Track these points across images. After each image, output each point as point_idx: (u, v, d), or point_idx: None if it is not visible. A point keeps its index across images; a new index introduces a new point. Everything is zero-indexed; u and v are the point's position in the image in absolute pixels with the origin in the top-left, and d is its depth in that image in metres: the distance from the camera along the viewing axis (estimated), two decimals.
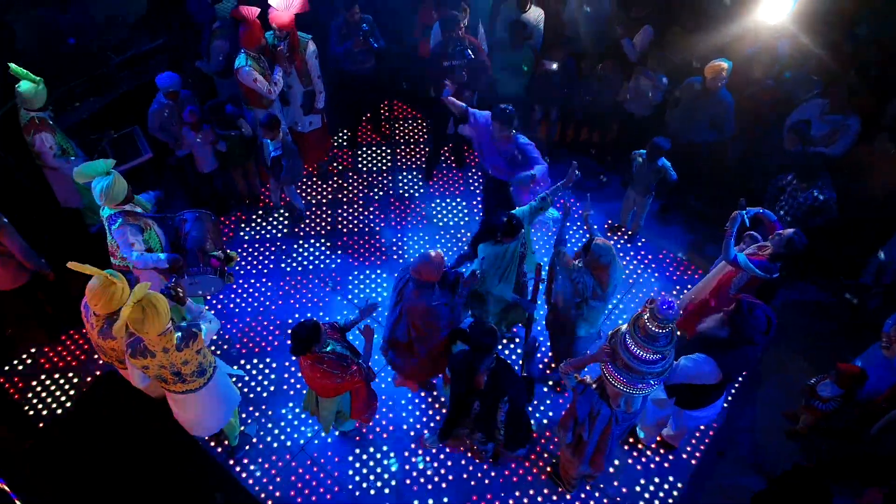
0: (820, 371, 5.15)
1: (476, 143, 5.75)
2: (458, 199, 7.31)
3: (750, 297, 4.03)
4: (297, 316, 6.15)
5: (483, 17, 7.25)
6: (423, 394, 5.63)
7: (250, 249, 6.71)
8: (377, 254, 6.70)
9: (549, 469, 5.15)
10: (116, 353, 4.31)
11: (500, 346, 5.46)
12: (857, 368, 4.84)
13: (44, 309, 5.79)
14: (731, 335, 4.02)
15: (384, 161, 7.68)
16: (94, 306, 3.95)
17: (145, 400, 4.71)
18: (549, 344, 5.67)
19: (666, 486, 5.18)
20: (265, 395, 5.61)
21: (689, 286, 6.51)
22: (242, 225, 6.93)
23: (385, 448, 5.30)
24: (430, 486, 5.10)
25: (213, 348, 5.89)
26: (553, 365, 5.81)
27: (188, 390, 4.17)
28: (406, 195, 7.32)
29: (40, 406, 5.50)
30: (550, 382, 5.75)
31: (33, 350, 5.83)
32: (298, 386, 5.66)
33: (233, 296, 6.29)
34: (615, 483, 5.17)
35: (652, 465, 5.28)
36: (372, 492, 5.08)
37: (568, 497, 5.06)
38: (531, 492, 5.09)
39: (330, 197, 7.26)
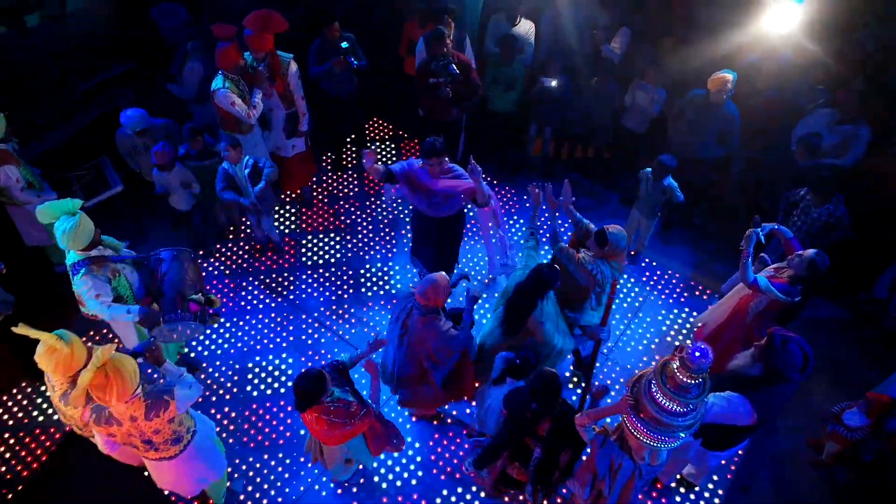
0: (843, 394, 4.85)
1: (410, 197, 5.15)
2: None
3: (783, 330, 3.69)
4: (284, 356, 5.72)
5: (470, 30, 6.92)
6: (436, 435, 5.22)
7: (232, 285, 6.28)
8: (367, 284, 6.30)
9: None
10: (75, 420, 3.86)
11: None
12: (887, 398, 4.54)
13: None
14: (764, 372, 3.68)
15: (372, 185, 7.31)
16: (46, 371, 3.52)
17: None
18: None
19: None
20: (252, 445, 5.17)
21: (698, 309, 6.20)
22: (224, 259, 6.50)
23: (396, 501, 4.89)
24: None
25: None
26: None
27: (162, 458, 3.74)
28: (396, 220, 6.94)
29: (3, 469, 5.03)
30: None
31: None
32: (289, 434, 5.23)
33: (214, 336, 5.85)
34: None
35: None
36: None
37: None
38: None
39: (315, 225, 6.85)
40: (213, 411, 5.31)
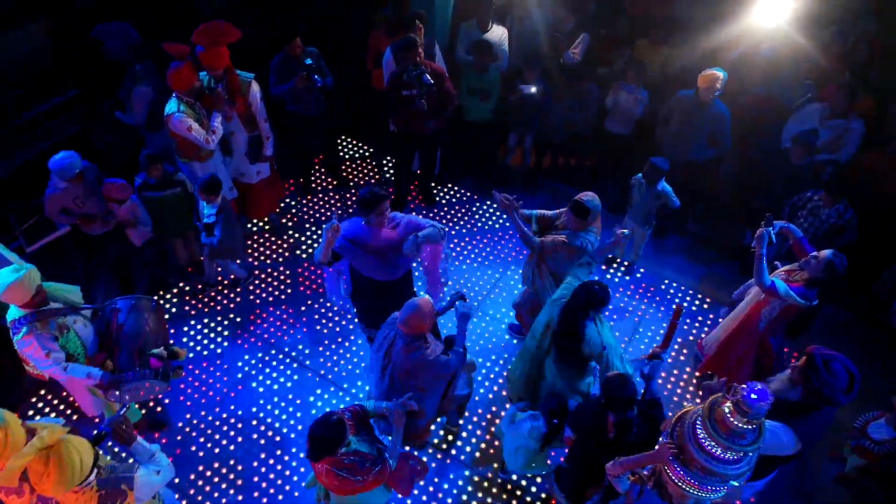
0: (862, 404, 4.56)
1: (353, 262, 4.43)
2: None
3: (822, 348, 3.36)
4: (262, 402, 5.19)
5: (440, 38, 6.53)
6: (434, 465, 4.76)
7: (199, 327, 5.72)
8: (348, 316, 5.82)
9: None
10: None
11: None
12: None
13: None
14: (805, 397, 3.33)
15: (344, 208, 6.83)
16: None
17: None
18: None
19: None
20: None
21: (702, 321, 5.89)
22: (188, 298, 5.94)
23: None
24: None
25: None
26: None
27: None
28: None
29: None
30: None
31: None
32: (272, 491, 4.70)
33: (182, 385, 5.28)
34: None
35: None
36: None
37: None
38: None
39: (287, 254, 6.34)
40: (189, 475, 4.75)
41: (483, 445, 4.96)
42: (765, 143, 6.01)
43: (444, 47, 6.51)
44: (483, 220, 6.77)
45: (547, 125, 6.52)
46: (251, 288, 6.03)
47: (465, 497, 4.67)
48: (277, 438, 4.96)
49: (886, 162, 5.46)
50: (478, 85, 6.27)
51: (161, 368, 3.94)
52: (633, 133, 6.56)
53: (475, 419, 5.11)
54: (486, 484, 4.74)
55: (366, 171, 7.25)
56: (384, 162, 7.34)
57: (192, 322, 5.74)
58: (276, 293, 6.00)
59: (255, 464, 4.83)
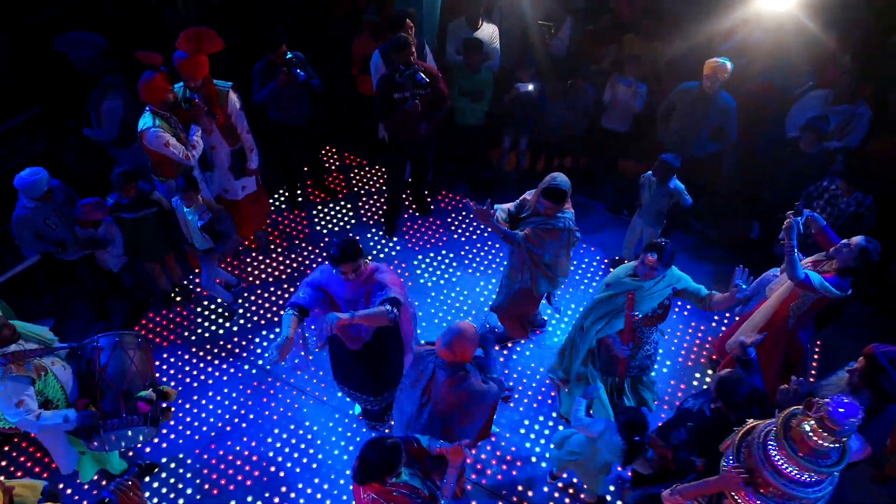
0: None
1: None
2: (431, 253, 6.18)
3: (881, 346, 3.12)
4: (261, 435, 4.78)
5: (428, 39, 6.23)
6: None
7: (186, 356, 5.29)
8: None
9: None
10: None
11: None
12: None
13: None
14: (874, 400, 3.07)
15: (335, 221, 6.46)
16: None
17: None
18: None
19: None
20: None
21: (717, 322, 5.66)
22: (172, 326, 5.50)
23: None
24: None
25: (154, 500, 4.45)
26: None
27: None
28: (368, 257, 6.12)
29: None
30: None
31: None
32: None
33: (173, 422, 4.84)
34: None
35: None
36: None
37: None
38: None
39: (276, 274, 5.95)
40: None
41: (504, 467, 4.64)
42: (769, 134, 5.83)
43: (434, 49, 6.21)
44: (480, 226, 6.46)
45: (542, 125, 6.26)
46: (241, 311, 5.62)
47: None
48: (281, 474, 4.56)
49: (894, 147, 5.31)
50: (470, 86, 5.97)
51: (150, 413, 3.54)
52: (630, 130, 6.35)
53: (488, 447, 4.77)
54: None
55: (354, 181, 6.90)
56: (372, 171, 7.00)
57: (179, 352, 5.31)
58: (269, 315, 5.60)
59: None
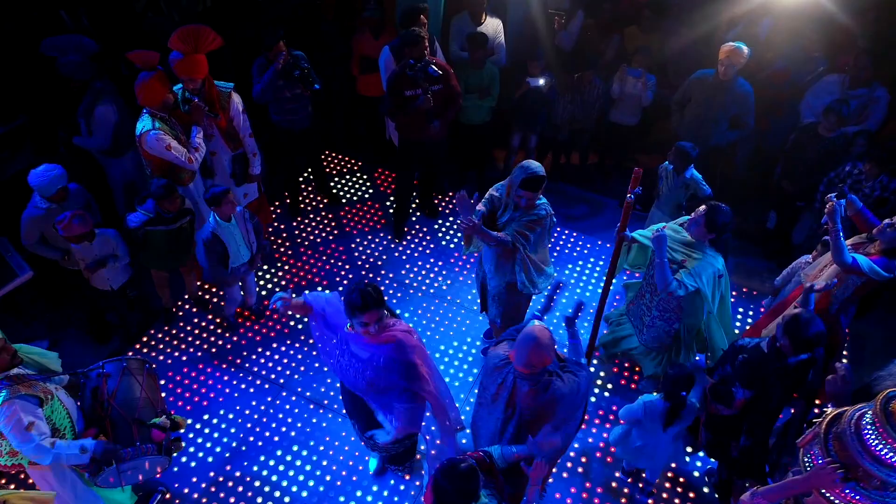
0: None
1: (328, 361, 3.64)
2: (442, 257, 5.96)
3: None
4: (279, 453, 4.49)
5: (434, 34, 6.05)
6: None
7: (193, 374, 4.98)
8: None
9: None
10: None
11: None
12: None
13: None
14: None
15: (342, 227, 6.21)
16: None
17: None
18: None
19: None
20: None
21: (745, 312, 5.51)
22: (176, 343, 5.20)
23: None
24: None
25: None
26: None
27: None
28: (377, 264, 5.88)
29: None
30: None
31: None
32: None
33: (184, 444, 4.47)
34: None
35: None
36: None
37: None
38: None
39: (283, 283, 5.67)
40: None
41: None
42: (784, 122, 5.73)
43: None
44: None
45: (552, 122, 6.10)
46: (248, 324, 5.33)
47: None
48: (304, 493, 4.27)
49: None
50: (476, 82, 5.77)
51: (164, 441, 3.27)
52: (640, 123, 6.22)
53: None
54: None
55: (357, 185, 6.66)
56: (375, 175, 6.76)
57: (185, 369, 5.00)
58: (278, 327, 5.32)
59: None
